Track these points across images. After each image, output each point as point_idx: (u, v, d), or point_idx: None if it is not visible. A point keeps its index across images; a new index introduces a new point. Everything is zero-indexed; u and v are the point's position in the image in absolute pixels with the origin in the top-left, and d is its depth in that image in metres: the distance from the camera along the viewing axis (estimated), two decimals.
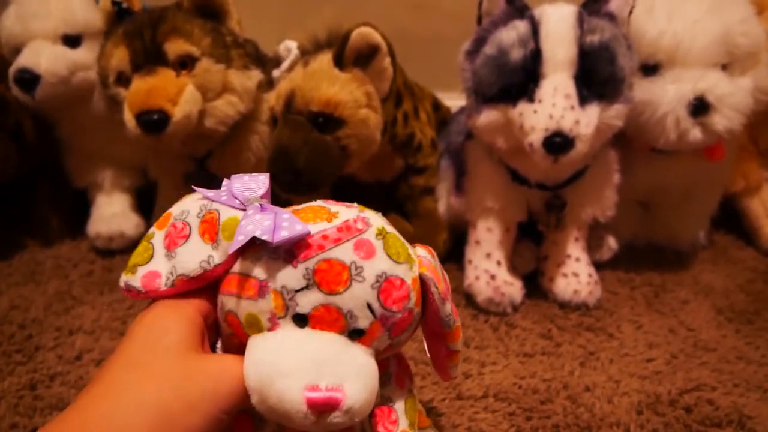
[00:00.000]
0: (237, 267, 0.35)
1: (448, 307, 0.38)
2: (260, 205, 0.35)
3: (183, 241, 0.36)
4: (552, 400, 0.59)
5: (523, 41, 0.64)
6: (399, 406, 0.40)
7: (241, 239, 0.33)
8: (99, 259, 0.88)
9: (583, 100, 0.63)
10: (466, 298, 0.76)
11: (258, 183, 0.37)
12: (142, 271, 0.36)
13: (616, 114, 0.66)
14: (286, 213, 0.35)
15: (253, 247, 0.35)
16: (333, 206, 0.37)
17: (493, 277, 0.74)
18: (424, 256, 0.38)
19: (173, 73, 0.74)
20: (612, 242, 0.84)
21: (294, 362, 0.32)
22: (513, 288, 0.74)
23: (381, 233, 0.35)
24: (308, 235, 0.34)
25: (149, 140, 0.73)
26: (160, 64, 0.73)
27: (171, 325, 0.34)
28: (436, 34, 1.10)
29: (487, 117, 0.67)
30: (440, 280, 0.38)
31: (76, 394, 0.60)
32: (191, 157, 0.84)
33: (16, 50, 0.81)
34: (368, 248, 0.34)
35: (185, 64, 0.74)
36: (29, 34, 0.80)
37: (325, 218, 0.35)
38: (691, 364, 0.65)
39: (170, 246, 0.37)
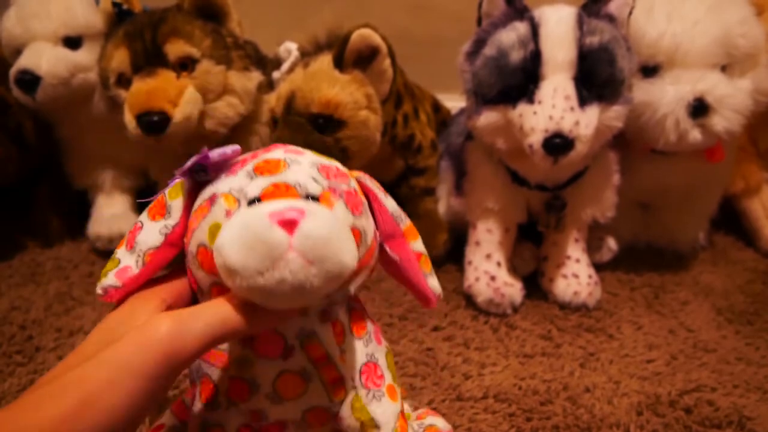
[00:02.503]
0: (191, 214, 0.37)
1: (392, 201, 0.41)
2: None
3: (139, 232, 0.38)
4: (552, 401, 0.59)
5: (523, 42, 0.64)
6: (382, 362, 0.42)
7: (184, 168, 0.36)
8: (99, 260, 0.88)
9: (583, 101, 0.63)
10: (466, 299, 0.76)
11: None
12: (113, 272, 0.38)
13: (615, 115, 0.66)
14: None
15: (200, 193, 0.38)
16: None
17: (493, 278, 0.74)
18: (357, 170, 0.42)
19: (173, 75, 0.74)
20: (612, 243, 0.84)
21: (254, 209, 0.33)
22: (513, 289, 0.74)
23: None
24: (239, 151, 0.37)
25: (149, 141, 0.73)
26: (161, 65, 0.74)
27: (124, 307, 0.36)
28: (436, 36, 1.10)
29: (487, 118, 0.68)
30: (374, 180, 0.41)
31: None
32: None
33: (17, 52, 0.81)
34: (297, 150, 0.39)
35: (185, 65, 0.74)
36: (30, 35, 0.80)
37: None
38: (691, 365, 0.65)
39: (130, 245, 0.38)
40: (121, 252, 0.39)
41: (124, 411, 0.31)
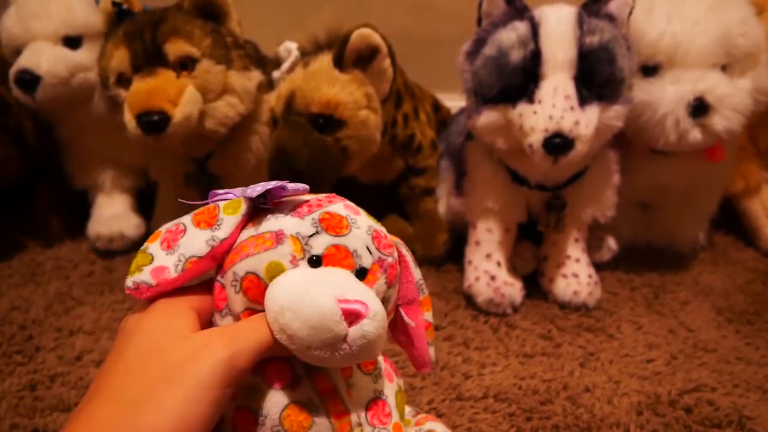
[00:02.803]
0: (245, 234, 0.38)
1: (419, 272, 0.43)
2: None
3: (181, 236, 0.38)
4: (552, 400, 0.59)
5: (523, 42, 0.64)
6: (391, 400, 0.42)
7: (259, 189, 0.37)
8: (99, 260, 0.88)
9: (583, 100, 0.63)
10: (466, 299, 0.76)
11: (234, 194, 0.40)
12: (148, 268, 0.37)
13: (615, 115, 0.66)
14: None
15: (256, 218, 0.38)
16: None
17: (493, 278, 0.74)
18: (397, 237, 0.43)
19: (173, 74, 0.74)
20: (612, 243, 0.84)
21: (322, 281, 0.35)
22: (513, 289, 0.74)
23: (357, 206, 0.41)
24: (307, 191, 0.39)
25: (149, 141, 0.73)
26: (161, 65, 0.73)
27: (163, 324, 0.35)
28: (436, 35, 1.10)
29: (487, 118, 0.67)
30: (408, 249, 0.43)
31: (76, 394, 0.61)
32: (191, 158, 0.84)
33: (17, 51, 0.81)
34: (354, 209, 0.40)
35: (185, 65, 0.74)
36: (30, 35, 0.80)
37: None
38: (690, 365, 0.65)
39: (170, 245, 0.38)
40: (155, 248, 0.38)
41: (211, 422, 0.32)
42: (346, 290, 0.34)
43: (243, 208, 0.38)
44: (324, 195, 0.40)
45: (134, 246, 0.89)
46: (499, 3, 0.67)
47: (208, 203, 0.39)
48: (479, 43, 0.67)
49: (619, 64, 0.64)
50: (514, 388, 0.61)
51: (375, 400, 0.41)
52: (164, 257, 0.37)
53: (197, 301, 0.37)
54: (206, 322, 0.38)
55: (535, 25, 0.64)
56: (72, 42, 0.82)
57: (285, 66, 0.75)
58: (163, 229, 0.39)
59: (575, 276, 0.75)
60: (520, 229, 0.79)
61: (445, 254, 0.85)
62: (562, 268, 0.76)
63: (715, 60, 0.68)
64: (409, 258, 0.42)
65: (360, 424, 0.40)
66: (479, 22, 0.69)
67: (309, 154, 0.69)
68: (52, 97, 0.80)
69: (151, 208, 0.93)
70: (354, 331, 0.33)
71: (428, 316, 0.44)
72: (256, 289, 0.36)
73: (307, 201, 0.38)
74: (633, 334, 0.70)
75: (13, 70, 0.79)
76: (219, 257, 0.38)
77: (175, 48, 0.73)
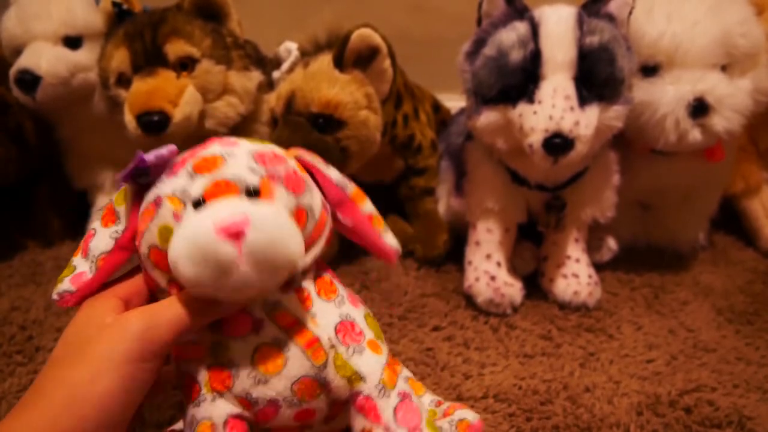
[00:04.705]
0: (139, 217, 0.39)
1: (334, 170, 0.43)
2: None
3: (91, 239, 0.40)
4: (552, 401, 0.59)
5: (523, 42, 0.64)
6: (360, 321, 0.42)
7: (122, 175, 0.37)
8: None
9: (583, 101, 0.63)
10: (466, 300, 0.76)
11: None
12: (68, 278, 0.39)
13: (615, 115, 0.66)
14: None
15: (146, 195, 0.38)
16: None
17: (493, 278, 0.74)
18: (294, 150, 0.43)
19: (173, 75, 0.74)
20: (612, 243, 0.84)
21: (199, 218, 0.35)
22: (513, 289, 0.74)
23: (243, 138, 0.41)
24: (175, 151, 0.38)
25: (150, 141, 0.73)
26: (161, 65, 0.74)
27: (86, 312, 0.37)
28: (435, 36, 1.10)
29: (487, 118, 0.67)
30: (314, 154, 0.43)
31: None
32: None
33: (17, 51, 0.81)
34: (233, 142, 0.40)
35: (185, 65, 0.74)
36: (30, 35, 0.80)
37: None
38: (691, 365, 0.65)
39: (84, 252, 0.40)
40: (76, 260, 0.40)
41: (111, 401, 0.32)
42: (224, 213, 0.34)
43: (129, 193, 0.39)
44: (202, 143, 0.40)
45: None
46: (499, 3, 0.67)
47: (109, 202, 0.41)
48: (479, 43, 0.67)
49: (619, 64, 0.64)
50: (514, 389, 0.61)
51: (342, 322, 0.41)
52: (82, 263, 0.40)
53: (123, 288, 0.39)
54: (141, 305, 0.39)
55: (535, 25, 0.64)
56: (72, 42, 0.82)
57: (285, 66, 0.75)
58: (83, 240, 0.41)
59: (575, 276, 0.75)
60: (520, 229, 0.79)
61: (445, 254, 0.85)
62: (562, 269, 0.76)
63: (715, 60, 0.68)
64: (317, 162, 0.42)
65: (333, 346, 0.40)
66: (479, 22, 0.69)
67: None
68: (53, 98, 0.81)
69: None
70: (243, 248, 0.33)
71: (366, 207, 0.44)
72: (162, 260, 0.36)
73: (183, 157, 0.39)
74: (633, 335, 0.70)
75: (13, 71, 0.79)
76: (128, 245, 0.39)
77: (175, 48, 0.73)
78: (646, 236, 0.88)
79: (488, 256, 0.76)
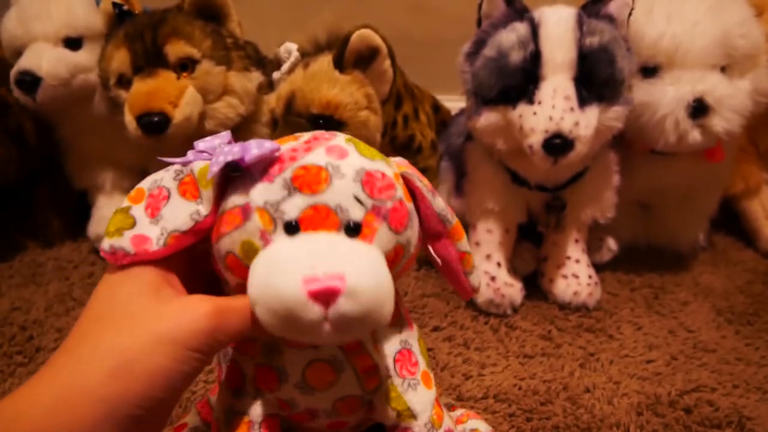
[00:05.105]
0: (222, 207, 0.35)
1: (440, 200, 0.38)
2: (228, 142, 0.36)
3: (165, 203, 0.35)
4: (552, 401, 0.59)
5: (523, 43, 0.64)
6: (416, 348, 0.41)
7: (214, 169, 0.33)
8: (100, 261, 0.88)
9: (583, 101, 0.63)
10: (466, 300, 0.76)
11: (220, 137, 0.37)
12: (129, 234, 0.34)
13: (615, 116, 0.66)
14: (252, 140, 0.35)
15: (232, 185, 0.34)
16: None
17: (493, 278, 0.74)
18: (400, 160, 0.39)
19: (174, 75, 0.74)
20: (612, 244, 0.84)
21: (288, 261, 0.31)
22: (513, 289, 0.74)
23: (350, 140, 0.36)
24: (277, 150, 0.34)
25: (150, 142, 0.73)
26: (161, 66, 0.74)
27: (132, 278, 0.34)
28: (435, 36, 1.10)
29: (487, 119, 0.68)
30: (423, 177, 0.38)
31: None
32: None
33: (18, 52, 0.81)
34: (340, 151, 0.34)
35: (186, 66, 0.74)
36: (30, 36, 0.80)
37: (292, 139, 0.36)
38: (690, 366, 0.65)
39: (153, 213, 0.35)
40: (138, 212, 0.35)
41: (162, 380, 0.31)
42: (319, 263, 0.30)
43: (215, 182, 0.35)
44: (304, 139, 0.35)
45: None
46: (498, 4, 0.67)
47: (189, 161, 0.36)
48: (479, 44, 0.68)
49: (619, 65, 0.64)
50: (514, 389, 0.61)
51: (401, 351, 0.40)
52: (147, 225, 0.34)
53: (169, 264, 0.36)
54: (177, 281, 0.36)
55: (535, 26, 0.64)
56: (73, 43, 0.82)
57: (285, 67, 0.75)
58: (146, 188, 0.36)
59: (575, 276, 0.75)
60: (520, 230, 0.79)
61: None
62: (562, 269, 0.77)
63: (714, 61, 0.68)
64: (424, 189, 0.37)
65: (390, 377, 0.39)
66: (479, 23, 0.69)
67: None
68: (53, 99, 0.81)
69: None
70: (332, 313, 0.30)
71: (461, 245, 0.40)
72: (239, 269, 0.34)
73: (281, 155, 0.34)
74: (633, 335, 0.70)
75: (14, 72, 0.79)
76: (202, 234, 0.35)
77: (175, 49, 0.73)
78: (646, 237, 0.88)
79: (488, 257, 0.76)
